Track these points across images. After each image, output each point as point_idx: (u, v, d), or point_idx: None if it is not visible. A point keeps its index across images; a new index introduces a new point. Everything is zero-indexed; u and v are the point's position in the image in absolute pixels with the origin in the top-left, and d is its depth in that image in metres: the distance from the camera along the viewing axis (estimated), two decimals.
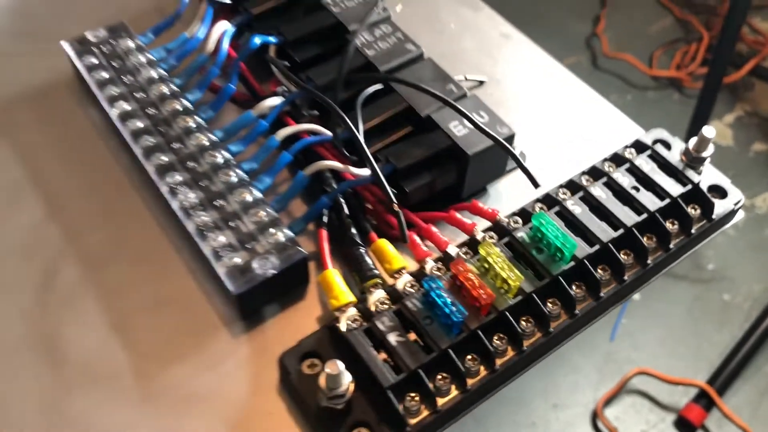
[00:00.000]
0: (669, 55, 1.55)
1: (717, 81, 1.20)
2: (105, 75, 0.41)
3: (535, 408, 1.11)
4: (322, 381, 0.29)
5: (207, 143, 0.38)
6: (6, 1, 0.49)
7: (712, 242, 1.25)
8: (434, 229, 0.35)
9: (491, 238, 0.34)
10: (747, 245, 1.28)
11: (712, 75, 1.21)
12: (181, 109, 0.39)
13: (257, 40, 0.40)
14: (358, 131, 0.35)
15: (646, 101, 1.47)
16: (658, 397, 1.12)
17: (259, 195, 0.36)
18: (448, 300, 0.30)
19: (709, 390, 1.09)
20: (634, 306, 1.20)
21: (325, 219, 0.36)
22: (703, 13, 1.62)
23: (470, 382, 0.31)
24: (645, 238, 0.35)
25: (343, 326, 0.31)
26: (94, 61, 0.41)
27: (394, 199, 0.34)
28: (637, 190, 0.36)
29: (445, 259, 0.34)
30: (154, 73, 0.41)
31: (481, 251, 0.32)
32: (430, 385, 0.30)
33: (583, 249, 0.33)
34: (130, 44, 0.42)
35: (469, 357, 0.31)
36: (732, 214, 0.38)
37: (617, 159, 0.37)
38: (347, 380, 0.29)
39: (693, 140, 0.37)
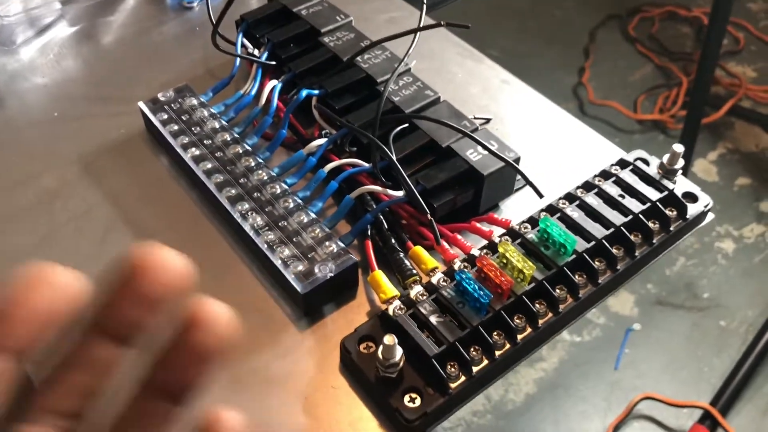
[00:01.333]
0: (651, 100, 1.65)
1: (696, 121, 1.29)
2: (176, 127, 0.49)
3: None
4: (379, 353, 0.36)
5: (267, 178, 0.46)
6: (81, 73, 0.58)
7: (707, 272, 1.33)
8: (459, 236, 0.43)
9: (507, 240, 0.42)
10: (739, 274, 1.35)
11: (690, 116, 1.30)
12: (242, 151, 0.47)
13: (304, 93, 0.48)
14: (393, 157, 0.43)
15: (633, 143, 1.56)
16: (665, 420, 1.17)
17: (313, 216, 0.44)
18: (477, 286, 0.38)
19: (712, 411, 1.14)
20: (636, 336, 1.26)
21: (368, 233, 0.44)
22: (680, 60, 1.73)
23: (497, 353, 0.38)
24: (632, 235, 0.43)
25: (391, 313, 0.39)
26: (166, 116, 0.50)
27: (428, 212, 0.41)
28: (623, 197, 0.44)
29: (470, 259, 0.41)
30: (217, 124, 0.49)
31: (500, 249, 0.40)
32: (466, 355, 0.37)
33: (582, 244, 0.41)
34: (194, 102, 0.51)
35: (495, 333, 0.38)
36: (703, 215, 0.45)
37: (605, 174, 0.45)
38: (400, 352, 0.36)
39: (666, 156, 0.45)
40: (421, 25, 0.49)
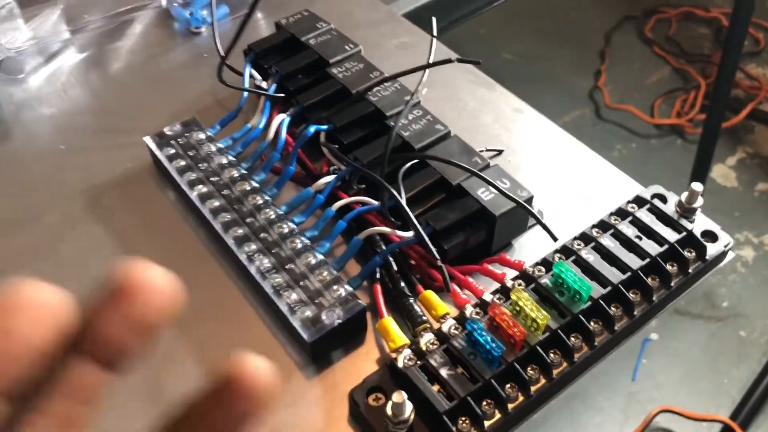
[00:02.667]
0: (669, 103, 1.62)
1: (716, 125, 1.27)
2: (183, 163, 0.48)
3: None
4: (388, 409, 0.35)
5: (274, 216, 0.45)
6: (89, 103, 0.58)
7: (725, 281, 1.31)
8: (471, 279, 0.42)
9: (520, 285, 0.41)
10: (759, 282, 1.32)
11: (710, 120, 1.27)
12: (249, 188, 0.46)
13: (312, 129, 0.47)
14: (403, 200, 0.42)
15: (651, 148, 1.54)
16: None
17: (321, 257, 0.43)
18: (489, 338, 0.37)
19: (732, 425, 1.12)
20: (654, 346, 1.24)
21: (377, 275, 0.43)
22: (698, 62, 1.70)
23: (510, 406, 0.37)
24: (649, 279, 0.41)
25: (400, 364, 0.38)
26: (173, 151, 0.49)
27: (437, 255, 0.40)
28: (640, 238, 0.42)
29: (482, 305, 0.40)
30: (224, 160, 0.48)
31: (513, 296, 0.39)
32: (478, 410, 0.36)
33: (597, 290, 0.40)
34: (202, 136, 0.50)
35: (508, 385, 0.37)
36: (723, 255, 0.44)
37: (621, 213, 0.44)
38: (410, 408, 0.35)
39: (684, 194, 0.44)
40: (432, 58, 0.47)
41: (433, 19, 0.49)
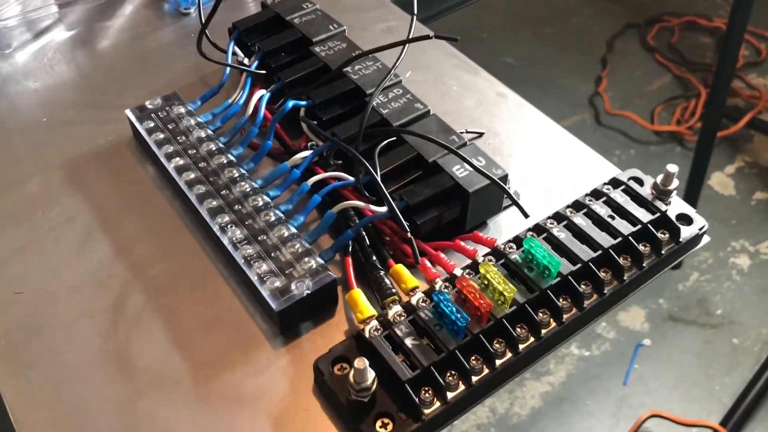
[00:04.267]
0: (669, 111, 1.62)
1: (711, 133, 1.27)
2: (162, 136, 0.48)
3: None
4: (351, 377, 0.35)
5: (249, 190, 0.45)
6: (74, 78, 0.58)
7: (720, 288, 1.30)
8: (443, 255, 0.42)
9: (490, 260, 0.40)
10: (753, 290, 1.32)
11: (706, 128, 1.28)
12: (226, 162, 0.46)
13: (290, 104, 0.47)
14: (377, 175, 0.42)
15: (650, 155, 1.53)
16: None
17: (294, 230, 0.43)
18: (454, 308, 0.37)
19: (722, 431, 1.12)
20: (646, 351, 1.24)
21: (350, 249, 0.43)
22: (700, 71, 1.70)
23: (474, 379, 0.37)
24: (621, 258, 0.41)
25: (367, 334, 0.38)
26: (152, 125, 0.49)
27: (408, 230, 0.40)
28: (613, 218, 0.42)
29: (452, 279, 0.40)
30: (203, 134, 0.48)
31: (481, 269, 0.38)
32: (441, 381, 0.36)
33: (567, 267, 0.40)
34: (182, 110, 0.50)
35: (473, 358, 0.37)
36: (698, 238, 0.44)
37: (596, 193, 0.44)
38: (372, 376, 0.35)
39: (660, 176, 0.43)
40: (411, 36, 0.48)
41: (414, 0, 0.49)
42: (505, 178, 0.43)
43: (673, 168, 0.43)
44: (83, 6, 0.64)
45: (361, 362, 0.35)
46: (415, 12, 0.48)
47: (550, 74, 1.69)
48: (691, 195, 1.28)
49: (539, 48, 1.76)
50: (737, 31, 1.13)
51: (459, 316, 0.36)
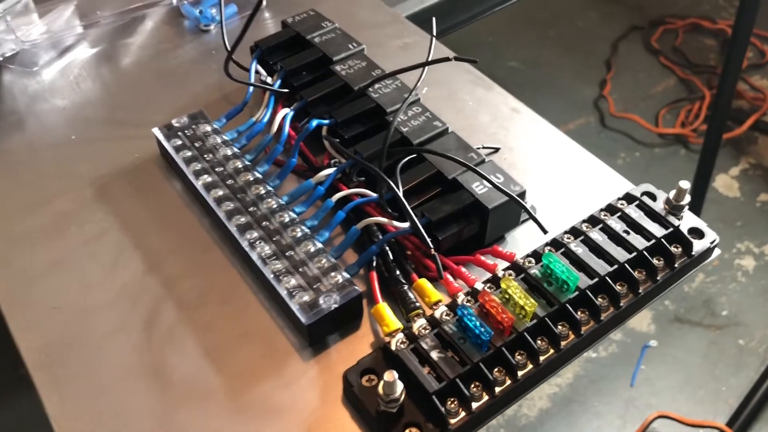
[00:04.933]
0: (674, 113, 1.64)
1: (717, 136, 1.28)
2: (189, 153, 0.50)
3: None
4: (380, 388, 0.37)
5: (276, 206, 0.46)
6: (100, 96, 0.60)
7: (725, 290, 1.32)
8: (464, 269, 0.43)
9: (510, 275, 0.42)
10: (759, 291, 1.33)
11: (712, 130, 1.29)
12: (253, 179, 0.48)
13: (314, 123, 0.49)
14: (400, 192, 0.44)
15: (654, 157, 1.55)
16: None
17: (320, 246, 0.44)
18: (478, 323, 0.38)
19: None
20: (653, 353, 1.25)
21: (374, 264, 0.44)
22: (704, 73, 1.71)
23: (497, 389, 0.38)
24: (636, 272, 0.43)
25: (393, 347, 0.39)
26: (180, 143, 0.51)
27: (431, 245, 0.42)
28: (628, 233, 0.44)
29: (473, 293, 0.42)
30: (229, 151, 0.50)
31: (503, 284, 0.40)
32: (466, 392, 0.38)
33: (585, 281, 0.41)
34: (208, 128, 0.52)
35: (496, 369, 0.39)
36: (709, 251, 0.45)
37: (611, 209, 0.45)
38: (400, 388, 0.37)
39: (672, 192, 0.45)
40: (431, 58, 0.49)
41: (433, 19, 0.51)
42: (523, 195, 0.45)
43: (685, 184, 0.44)
44: (105, 25, 0.65)
45: (390, 375, 0.36)
46: (434, 33, 0.50)
47: (555, 77, 1.70)
48: (697, 197, 1.29)
49: (544, 51, 1.78)
50: (743, 34, 1.14)
51: (483, 330, 0.38)
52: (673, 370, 1.24)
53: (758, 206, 1.45)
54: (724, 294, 1.33)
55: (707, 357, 1.25)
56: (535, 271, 0.42)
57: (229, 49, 0.53)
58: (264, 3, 0.65)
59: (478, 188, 0.45)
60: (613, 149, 1.55)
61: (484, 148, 0.52)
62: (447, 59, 0.45)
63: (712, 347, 1.27)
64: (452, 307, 0.41)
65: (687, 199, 0.45)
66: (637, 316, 1.32)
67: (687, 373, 1.23)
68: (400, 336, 0.40)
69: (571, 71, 1.73)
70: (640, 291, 0.42)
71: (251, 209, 0.46)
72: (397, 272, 0.44)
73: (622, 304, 0.42)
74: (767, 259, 1.38)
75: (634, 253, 0.43)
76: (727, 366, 1.24)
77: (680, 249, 0.44)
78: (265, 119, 0.52)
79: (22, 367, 0.42)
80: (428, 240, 0.42)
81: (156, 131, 0.51)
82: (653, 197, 0.46)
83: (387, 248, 0.45)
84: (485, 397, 0.38)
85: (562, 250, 0.43)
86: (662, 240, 0.43)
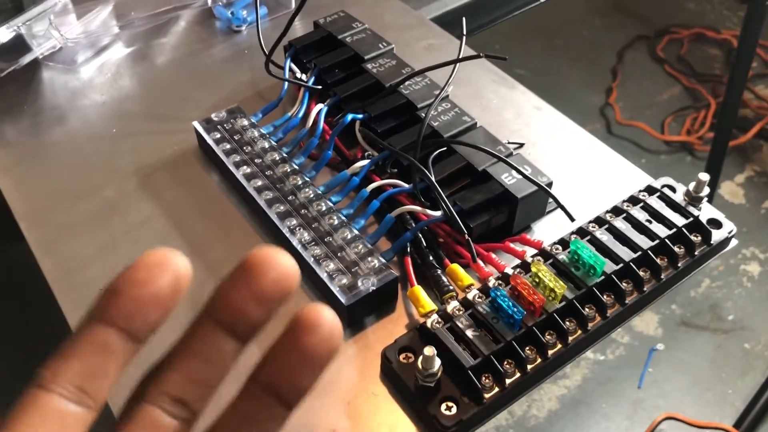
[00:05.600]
0: (679, 121, 1.66)
1: (723, 143, 1.30)
2: (228, 146, 0.52)
3: None
4: (419, 363, 0.39)
5: (313, 195, 0.49)
6: (137, 92, 0.62)
7: (731, 295, 1.34)
8: (494, 255, 0.46)
9: (539, 260, 0.44)
10: (764, 296, 1.35)
11: (718, 138, 1.31)
12: (290, 170, 0.50)
13: (349, 117, 0.52)
14: (433, 179, 0.46)
15: (660, 164, 1.57)
16: None
17: (356, 233, 0.47)
18: (511, 303, 0.41)
19: None
20: (660, 356, 1.27)
21: (408, 250, 0.47)
22: (709, 82, 1.74)
23: (529, 367, 0.41)
24: (658, 259, 0.45)
25: (429, 326, 0.42)
26: (219, 136, 0.53)
27: (465, 231, 0.44)
28: (650, 222, 0.46)
29: (504, 277, 0.44)
30: (266, 144, 0.52)
31: (533, 268, 0.42)
32: (500, 368, 0.40)
33: (610, 266, 0.44)
34: (245, 122, 0.54)
35: (527, 348, 0.41)
36: (727, 241, 0.48)
37: (633, 200, 0.48)
38: (438, 363, 0.39)
39: (692, 184, 0.47)
40: (461, 56, 0.52)
41: (463, 19, 0.53)
42: (550, 186, 0.47)
43: (704, 176, 0.46)
44: (140, 25, 0.68)
45: (430, 350, 0.38)
46: (464, 32, 0.53)
47: (562, 85, 1.73)
48: None
49: (550, 59, 1.81)
50: (749, 44, 1.17)
51: (515, 309, 0.40)
52: (680, 373, 1.26)
53: (763, 213, 1.48)
54: (730, 299, 1.35)
55: (714, 360, 1.27)
56: (562, 256, 0.44)
57: (265, 49, 0.55)
58: (294, 4, 0.68)
59: (507, 179, 0.47)
60: None
61: (509, 143, 0.54)
62: (478, 56, 0.47)
63: (718, 351, 1.29)
64: (484, 290, 0.43)
65: (706, 190, 0.47)
66: (644, 320, 1.34)
67: (694, 376, 1.25)
68: (436, 316, 0.42)
69: (577, 79, 1.76)
70: (662, 277, 0.44)
71: (290, 198, 0.49)
72: (431, 258, 0.46)
73: (645, 289, 0.44)
74: None
75: (657, 241, 0.45)
76: (733, 369, 1.26)
77: (699, 238, 0.46)
78: (300, 114, 0.55)
79: None
80: (462, 226, 0.44)
81: (196, 124, 0.54)
82: (673, 189, 0.49)
83: (420, 235, 0.47)
84: (517, 374, 0.40)
85: (588, 237, 0.45)
86: (683, 229, 0.46)
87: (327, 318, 0.20)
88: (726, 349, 1.29)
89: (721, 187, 1.51)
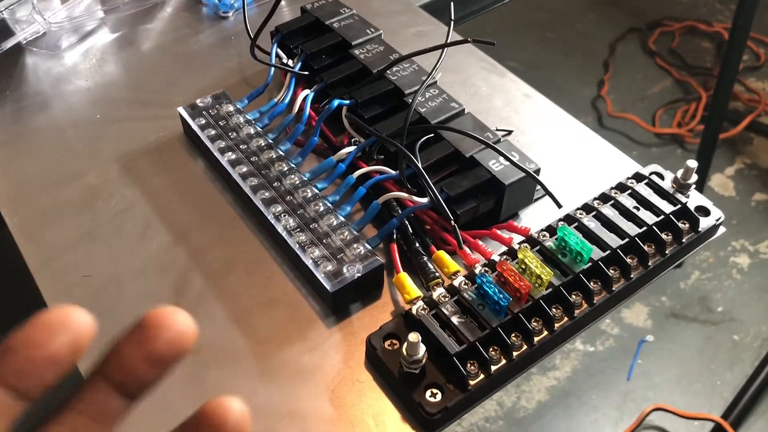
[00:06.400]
0: (670, 114, 1.66)
1: (714, 136, 1.30)
2: (213, 132, 0.52)
3: None
4: (404, 349, 0.39)
5: (299, 182, 0.48)
6: (122, 78, 0.61)
7: (721, 286, 1.34)
8: (480, 242, 0.45)
9: (526, 247, 0.44)
10: (753, 288, 1.36)
11: (708, 130, 1.31)
12: (276, 156, 0.50)
13: (336, 103, 0.51)
14: (420, 166, 0.46)
15: (651, 157, 1.57)
16: None
17: (342, 219, 0.46)
18: (497, 289, 0.40)
19: (724, 424, 1.15)
20: (649, 347, 1.27)
21: (394, 237, 0.46)
22: (700, 75, 1.74)
23: (515, 354, 0.40)
24: (646, 246, 0.45)
25: (415, 312, 0.41)
26: (204, 121, 0.53)
27: (452, 219, 0.44)
28: (638, 209, 0.46)
29: (490, 264, 0.43)
30: (252, 130, 0.52)
31: (519, 255, 0.42)
32: (486, 355, 0.39)
33: (597, 253, 0.43)
34: (231, 108, 0.53)
35: (513, 335, 0.41)
36: (715, 228, 0.47)
37: (621, 187, 0.47)
38: (423, 349, 0.39)
39: (680, 171, 0.47)
40: (449, 41, 0.51)
41: (451, 4, 0.53)
42: (537, 172, 0.47)
43: (692, 163, 0.46)
44: (125, 11, 0.67)
45: (415, 336, 0.38)
46: (452, 18, 0.52)
47: (553, 78, 1.73)
48: None
49: (542, 52, 1.80)
50: (740, 37, 1.17)
51: (501, 296, 0.40)
52: (669, 365, 1.26)
53: (753, 205, 1.48)
54: (719, 291, 1.36)
55: (703, 352, 1.28)
56: (549, 243, 0.44)
57: (251, 33, 0.55)
58: None
59: (495, 165, 0.47)
60: None
61: (498, 130, 0.54)
62: (465, 41, 0.46)
63: (707, 342, 1.29)
64: (470, 277, 0.43)
65: (694, 177, 0.47)
66: (633, 312, 1.34)
67: (683, 368, 1.25)
68: (421, 303, 0.42)
69: (569, 72, 1.76)
70: (649, 264, 0.44)
71: (275, 184, 0.48)
72: (417, 245, 0.46)
73: (632, 276, 0.44)
74: (762, 257, 1.40)
75: (644, 228, 0.45)
76: (722, 361, 1.26)
77: (687, 225, 0.46)
78: (287, 100, 0.54)
79: None
80: (448, 212, 0.44)
81: (181, 110, 0.53)
82: (661, 176, 0.48)
83: (406, 222, 0.47)
84: (503, 361, 0.40)
85: (575, 224, 0.45)
86: (670, 216, 0.45)
87: (179, 321, 0.20)
88: (715, 341, 1.29)
89: (711, 180, 1.51)
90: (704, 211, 0.47)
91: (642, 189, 0.47)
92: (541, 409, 1.22)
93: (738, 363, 1.26)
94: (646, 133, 1.62)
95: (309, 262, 0.44)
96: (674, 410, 1.18)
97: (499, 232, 0.46)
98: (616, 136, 1.61)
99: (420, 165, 0.46)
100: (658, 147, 1.60)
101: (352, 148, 0.50)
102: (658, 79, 1.75)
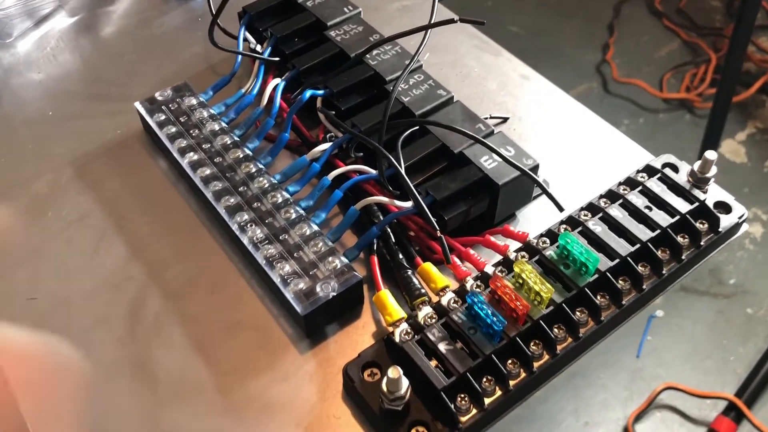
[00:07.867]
0: (678, 78, 1.60)
1: (726, 100, 1.24)
2: (174, 129, 0.46)
3: (567, 427, 1.14)
4: (384, 385, 0.34)
5: (268, 185, 0.43)
6: (79, 68, 0.56)
7: (733, 257, 1.29)
8: (472, 251, 0.40)
9: (523, 257, 0.39)
10: (767, 259, 1.31)
11: (721, 94, 1.25)
12: (242, 156, 0.45)
13: (308, 94, 0.45)
14: (401, 168, 0.40)
15: (659, 123, 1.51)
16: (688, 411, 1.14)
17: (316, 228, 0.41)
18: (489, 311, 0.35)
19: (737, 402, 1.11)
20: (659, 323, 1.23)
21: (374, 247, 0.41)
22: (709, 36, 1.67)
23: (512, 383, 0.35)
24: (659, 251, 0.39)
25: (397, 338, 0.36)
26: (164, 117, 0.47)
27: (437, 226, 0.39)
28: (650, 209, 0.40)
29: (483, 278, 0.38)
30: (216, 126, 0.46)
31: (516, 268, 0.37)
32: (478, 387, 0.34)
33: (605, 263, 0.38)
34: (194, 101, 0.48)
35: (509, 361, 0.36)
36: (737, 227, 0.42)
37: (630, 182, 0.42)
38: (405, 384, 0.34)
39: (697, 163, 0.42)
40: (434, 21, 0.45)
41: None
42: (536, 169, 0.42)
43: (711, 155, 0.41)
44: None
45: (395, 371, 0.33)
46: None
47: (557, 42, 1.66)
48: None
49: (544, 16, 1.73)
50: None
51: (495, 319, 0.35)
52: (679, 341, 1.22)
53: (766, 172, 1.42)
54: (731, 262, 1.31)
55: (714, 326, 1.23)
56: (550, 252, 0.38)
57: (214, 12, 0.49)
58: None
59: (487, 162, 0.41)
60: (616, 116, 1.51)
61: (491, 118, 0.48)
62: (451, 21, 0.41)
63: (719, 316, 1.25)
64: (461, 293, 0.38)
65: (713, 171, 0.41)
66: None
67: (694, 344, 1.21)
68: (405, 326, 0.37)
69: (573, 36, 1.69)
70: (663, 272, 0.39)
71: (241, 189, 0.43)
72: (400, 256, 0.41)
73: (644, 287, 0.38)
74: None
75: (658, 231, 0.39)
76: (735, 335, 1.22)
77: (706, 225, 0.41)
78: (255, 91, 0.48)
79: None
80: (434, 222, 0.39)
81: (138, 105, 0.48)
82: (675, 169, 0.43)
83: (388, 230, 0.41)
84: (498, 392, 0.35)
85: (579, 228, 0.40)
86: (687, 216, 0.40)
87: None
88: (727, 315, 1.25)
89: (721, 146, 1.45)
90: (725, 208, 0.42)
91: (654, 185, 0.41)
92: (547, 390, 1.17)
93: (752, 337, 1.21)
94: (653, 99, 1.55)
95: (278, 280, 0.39)
96: (686, 389, 1.14)
97: (493, 239, 0.41)
98: (622, 103, 1.55)
99: (402, 165, 0.41)
100: (666, 113, 1.53)
101: (326, 146, 0.44)
102: (665, 42, 1.68)
